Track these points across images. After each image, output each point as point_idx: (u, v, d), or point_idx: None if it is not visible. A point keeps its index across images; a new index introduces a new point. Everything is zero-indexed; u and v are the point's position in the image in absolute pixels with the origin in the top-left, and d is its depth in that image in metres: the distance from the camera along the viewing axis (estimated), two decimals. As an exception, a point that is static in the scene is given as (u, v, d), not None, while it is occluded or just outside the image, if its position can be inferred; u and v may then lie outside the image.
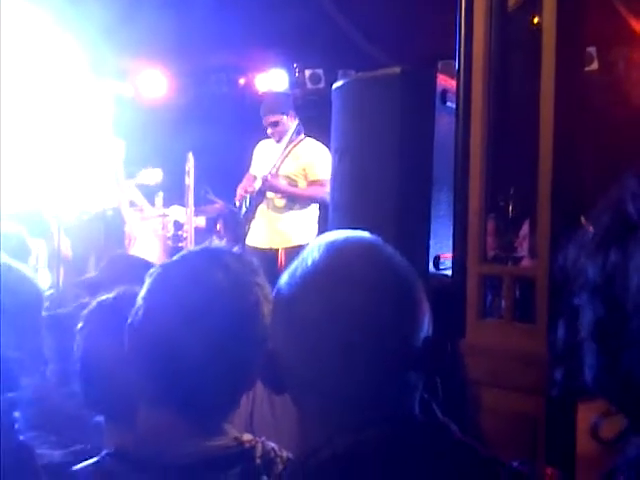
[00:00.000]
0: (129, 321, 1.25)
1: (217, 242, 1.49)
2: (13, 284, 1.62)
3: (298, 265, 1.06)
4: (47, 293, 5.84)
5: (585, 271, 0.63)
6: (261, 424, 1.90)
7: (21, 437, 1.27)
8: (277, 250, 4.74)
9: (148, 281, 1.25)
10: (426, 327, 1.03)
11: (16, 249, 2.82)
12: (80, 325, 1.50)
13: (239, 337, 1.20)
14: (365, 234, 1.10)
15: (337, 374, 0.99)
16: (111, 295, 1.51)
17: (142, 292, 1.26)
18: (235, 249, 1.32)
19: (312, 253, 1.05)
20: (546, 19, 2.31)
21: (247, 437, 1.27)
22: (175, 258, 1.30)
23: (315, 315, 1.00)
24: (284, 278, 1.07)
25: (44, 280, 6.20)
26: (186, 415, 1.21)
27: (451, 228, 2.51)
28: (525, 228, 3.39)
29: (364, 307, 0.99)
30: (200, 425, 1.22)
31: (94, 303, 1.53)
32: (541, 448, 2.18)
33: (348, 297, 0.99)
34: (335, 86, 2.84)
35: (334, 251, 1.04)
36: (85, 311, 1.52)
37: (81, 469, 1.22)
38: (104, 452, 1.22)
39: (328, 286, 1.01)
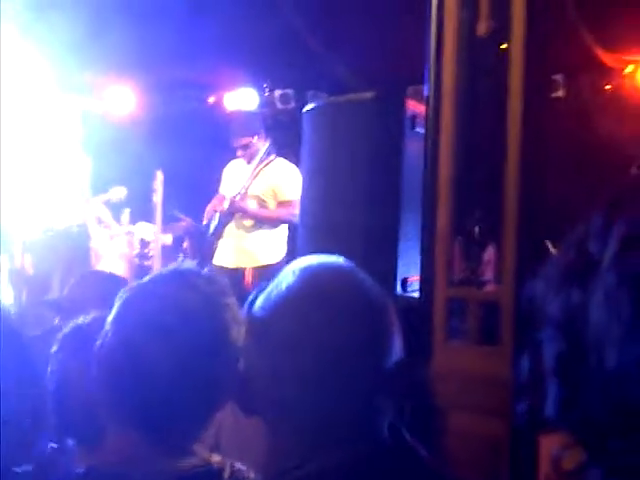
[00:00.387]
0: (98, 343, 1.25)
1: (187, 262, 1.49)
2: None
3: (273, 289, 1.08)
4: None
5: (548, 306, 0.65)
6: (226, 444, 1.90)
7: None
8: (244, 269, 4.73)
9: (117, 304, 1.25)
10: (397, 351, 1.05)
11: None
12: (54, 348, 1.49)
13: (209, 359, 1.21)
14: (339, 259, 1.12)
15: (308, 397, 1.01)
16: (86, 319, 1.50)
17: (111, 315, 1.25)
18: (205, 270, 1.33)
19: (287, 277, 1.07)
20: (514, 46, 2.36)
21: (216, 458, 1.27)
22: (144, 280, 1.30)
23: (288, 338, 1.02)
24: (258, 301, 1.09)
25: (6, 297, 6.11)
26: (155, 436, 1.21)
27: (418, 252, 2.54)
28: (490, 252, 3.44)
29: (336, 331, 1.01)
30: (169, 446, 1.22)
31: (69, 326, 1.52)
32: (505, 472, 2.20)
33: (321, 321, 1.01)
34: (306, 109, 2.87)
35: (308, 276, 1.07)
36: (59, 334, 1.51)
37: None
38: (74, 472, 1.22)
39: (302, 310, 1.03)
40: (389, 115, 2.65)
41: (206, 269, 1.34)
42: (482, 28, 2.31)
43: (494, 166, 2.57)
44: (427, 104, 2.47)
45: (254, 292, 1.14)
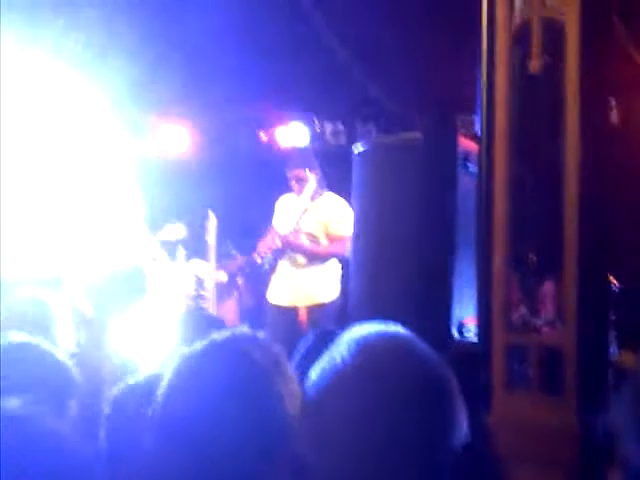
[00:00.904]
0: (150, 414, 1.21)
1: (242, 329, 1.42)
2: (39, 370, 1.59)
3: (327, 364, 1.03)
4: (72, 352, 5.79)
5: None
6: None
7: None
8: (298, 308, 4.70)
9: (170, 374, 1.22)
10: (460, 425, 0.99)
11: (41, 316, 2.78)
12: (106, 411, 1.46)
13: (261, 437, 1.16)
14: (398, 329, 1.06)
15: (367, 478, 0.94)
16: (138, 378, 1.47)
17: (163, 386, 1.22)
18: (261, 335, 1.29)
19: (342, 351, 1.02)
20: (569, 82, 2.29)
21: None
22: (200, 349, 1.26)
23: (344, 421, 0.97)
24: (313, 376, 1.04)
25: (69, 340, 6.19)
26: None
27: (474, 294, 2.46)
28: (548, 287, 3.32)
29: (397, 414, 0.95)
30: None
31: (120, 388, 1.49)
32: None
33: (378, 399, 0.96)
34: (356, 151, 2.83)
35: (365, 351, 1.01)
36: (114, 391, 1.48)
37: None
38: None
39: (359, 390, 0.98)
40: (440, 154, 2.59)
41: (262, 334, 1.29)
42: (535, 65, 2.25)
43: (551, 203, 2.49)
44: (480, 142, 2.40)
45: (304, 347, 1.09)
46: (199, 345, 1.27)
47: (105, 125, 5.28)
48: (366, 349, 1.01)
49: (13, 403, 1.20)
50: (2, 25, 4.33)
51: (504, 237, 2.39)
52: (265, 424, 1.16)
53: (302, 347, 1.65)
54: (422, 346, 1.03)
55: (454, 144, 2.59)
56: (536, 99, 2.35)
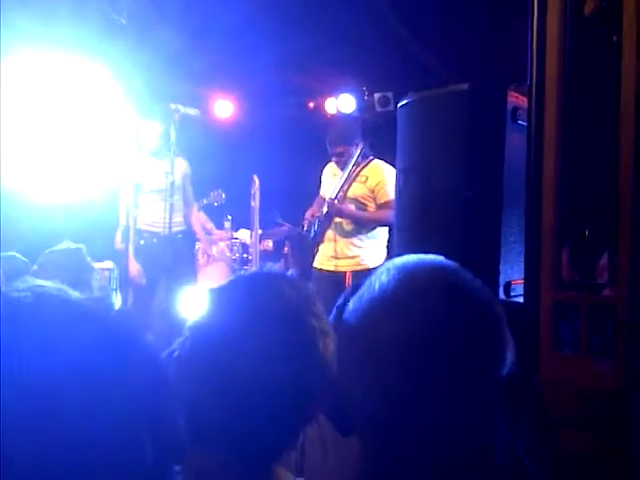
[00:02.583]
0: (175, 353, 1.17)
1: (271, 266, 1.38)
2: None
3: (365, 290, 0.96)
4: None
5: None
6: (311, 468, 1.79)
7: None
8: (344, 273, 4.64)
9: (196, 312, 1.17)
10: (509, 362, 0.91)
11: (76, 268, 2.79)
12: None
13: (293, 371, 1.10)
14: (440, 257, 0.98)
15: (408, 413, 0.87)
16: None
17: (189, 322, 1.17)
18: (289, 272, 1.23)
19: (380, 277, 0.95)
20: (627, 25, 2.15)
21: None
22: (225, 284, 1.21)
23: (383, 347, 0.89)
24: (350, 305, 0.97)
25: (116, 302, 6.28)
26: (236, 455, 1.11)
27: (522, 253, 2.36)
28: (606, 258, 3.19)
29: (439, 341, 0.87)
30: (249, 466, 1.12)
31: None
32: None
33: (420, 329, 0.88)
34: (401, 104, 2.73)
35: (405, 276, 0.93)
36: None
37: None
38: None
39: (398, 316, 0.89)
40: (488, 107, 2.48)
41: (290, 271, 1.23)
42: (589, 7, 2.11)
43: (605, 162, 2.36)
44: (529, 94, 2.28)
45: (343, 296, 1.02)
46: (226, 280, 1.22)
47: (148, 96, 5.28)
48: (406, 275, 0.93)
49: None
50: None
51: (555, 194, 2.28)
52: (295, 362, 1.11)
53: (341, 297, 1.60)
54: (468, 275, 0.94)
55: (503, 96, 2.47)
56: (591, 45, 2.22)
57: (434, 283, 0.91)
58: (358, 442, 0.96)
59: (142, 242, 5.22)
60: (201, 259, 6.03)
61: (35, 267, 2.76)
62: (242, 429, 1.10)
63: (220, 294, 1.19)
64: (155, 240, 5.21)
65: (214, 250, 6.10)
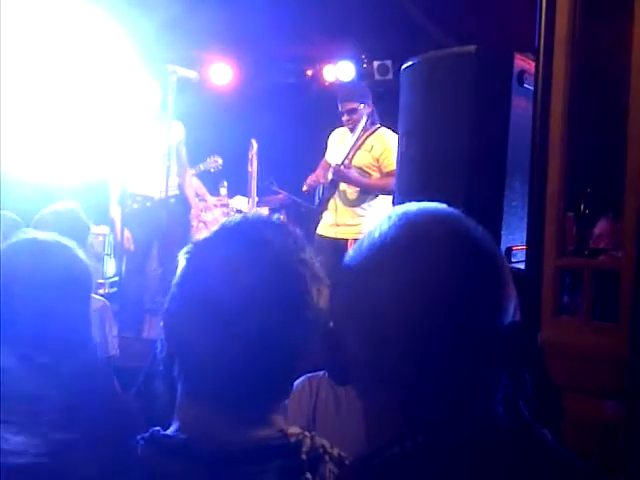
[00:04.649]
0: (165, 307, 1.14)
1: (256, 212, 1.34)
2: (61, 260, 1.54)
3: (365, 238, 0.93)
4: (111, 280, 5.84)
5: None
6: (324, 422, 1.78)
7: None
8: (347, 240, 4.62)
9: (181, 265, 1.14)
10: (512, 312, 0.89)
11: (71, 225, 2.76)
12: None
13: (284, 321, 1.07)
14: (442, 205, 0.96)
15: (407, 363, 0.85)
16: None
17: (175, 278, 1.14)
18: (276, 217, 1.20)
19: (381, 225, 0.92)
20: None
21: (294, 430, 1.14)
22: (209, 235, 1.16)
23: (382, 294, 0.86)
24: (349, 253, 0.94)
25: (109, 268, 6.25)
26: (226, 404, 1.09)
27: (525, 219, 2.34)
28: (600, 225, 3.17)
29: (440, 286, 0.84)
30: (241, 414, 1.10)
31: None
32: (619, 459, 2.00)
33: (420, 273, 0.85)
34: (405, 66, 2.69)
35: (406, 222, 0.91)
36: None
37: None
38: (139, 437, 1.12)
39: (398, 261, 0.87)
40: (494, 70, 2.44)
41: (276, 216, 1.20)
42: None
43: (612, 129, 2.34)
44: (537, 57, 2.24)
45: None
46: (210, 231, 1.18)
47: (145, 59, 5.21)
48: (408, 222, 0.90)
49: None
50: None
51: (561, 159, 2.25)
52: (285, 311, 1.08)
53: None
54: (471, 222, 0.92)
55: (509, 59, 2.43)
56: (601, 8, 2.18)
57: (435, 228, 0.89)
58: (355, 392, 0.94)
59: (135, 206, 5.17)
60: (195, 225, 6.00)
61: (30, 228, 2.73)
62: (236, 381, 1.08)
63: (205, 245, 1.15)
64: (149, 204, 5.17)
65: (209, 217, 6.06)
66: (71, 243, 1.62)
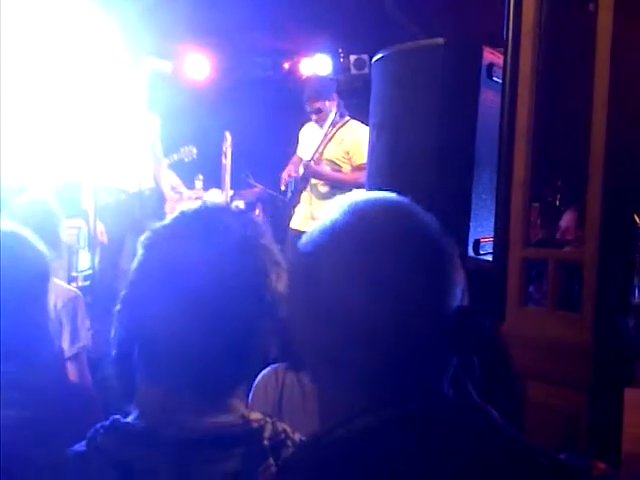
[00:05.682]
0: (121, 294, 1.14)
1: (216, 198, 1.35)
2: (15, 250, 1.53)
3: (317, 226, 0.95)
4: (85, 273, 5.79)
5: None
6: (291, 411, 1.79)
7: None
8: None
9: (141, 250, 1.14)
10: (459, 297, 0.90)
11: (43, 216, 2.74)
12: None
13: (243, 305, 1.08)
14: (393, 194, 0.98)
15: (355, 345, 0.87)
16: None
17: (134, 263, 1.14)
18: (235, 204, 1.21)
19: (333, 213, 0.94)
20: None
21: (256, 416, 1.15)
22: (169, 221, 1.17)
23: (332, 280, 0.88)
24: (302, 240, 0.96)
25: (83, 261, 6.21)
26: (187, 390, 1.10)
27: (492, 211, 2.36)
28: (566, 218, 3.21)
29: (385, 269, 0.87)
30: (202, 400, 1.11)
31: None
32: (582, 447, 2.02)
33: (368, 257, 0.87)
34: (375, 58, 2.70)
35: (355, 210, 0.93)
36: None
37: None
38: (98, 425, 1.12)
39: (346, 245, 0.89)
40: (463, 62, 2.45)
41: (235, 203, 1.21)
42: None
43: (578, 119, 2.36)
44: (505, 49, 2.26)
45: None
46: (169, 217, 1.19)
47: (121, 49, 5.18)
48: (358, 210, 0.93)
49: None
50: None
51: (527, 151, 2.27)
52: (247, 296, 1.09)
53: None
54: (421, 211, 0.94)
55: (478, 51, 2.45)
56: (566, 11, 2.20)
57: (381, 213, 0.92)
58: (308, 375, 0.96)
59: (109, 199, 5.15)
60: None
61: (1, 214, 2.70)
62: (196, 364, 1.09)
63: (163, 232, 1.16)
64: (123, 196, 5.14)
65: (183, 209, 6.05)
66: (28, 232, 1.61)
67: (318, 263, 0.91)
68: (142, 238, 1.15)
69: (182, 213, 1.18)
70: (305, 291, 0.92)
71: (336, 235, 0.91)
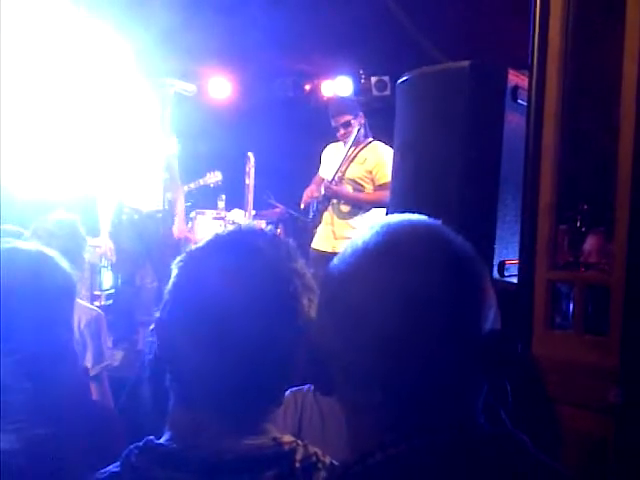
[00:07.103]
0: (157, 316, 1.15)
1: (249, 223, 1.36)
2: (42, 271, 1.55)
3: (349, 246, 0.95)
4: (107, 292, 5.83)
5: None
6: (309, 436, 1.78)
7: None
8: (341, 254, 4.64)
9: (174, 273, 1.15)
10: (492, 320, 0.90)
11: (71, 236, 2.77)
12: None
13: (276, 330, 1.09)
14: (425, 217, 0.98)
15: (387, 369, 0.87)
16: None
17: (169, 285, 1.15)
18: (269, 228, 1.21)
19: (364, 234, 0.95)
20: (630, 11, 2.13)
21: (288, 438, 1.15)
22: (202, 244, 1.18)
23: (362, 300, 0.88)
24: (334, 261, 0.96)
25: (105, 280, 6.25)
26: (220, 413, 1.10)
27: (517, 233, 2.35)
28: (589, 241, 3.19)
29: (418, 291, 0.86)
30: (235, 423, 1.11)
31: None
32: (609, 473, 2.00)
33: (400, 279, 0.87)
34: (400, 81, 2.71)
35: (388, 231, 0.94)
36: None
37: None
38: (132, 445, 1.13)
39: (378, 267, 0.89)
40: (488, 85, 2.45)
41: (270, 227, 1.22)
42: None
43: (605, 143, 2.35)
44: (530, 72, 2.26)
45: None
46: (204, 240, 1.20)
47: (142, 71, 5.24)
48: (390, 231, 0.93)
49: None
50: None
51: (553, 173, 2.26)
52: (279, 321, 1.09)
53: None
54: (452, 233, 0.94)
55: (503, 74, 2.45)
56: (594, 24, 2.20)
57: (415, 235, 0.92)
58: (338, 400, 0.95)
59: (124, 217, 5.20)
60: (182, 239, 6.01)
61: (27, 233, 2.74)
62: (230, 388, 1.09)
63: (198, 254, 1.16)
64: (136, 217, 5.18)
65: (202, 232, 6.10)
66: (54, 253, 1.63)
67: (349, 284, 0.91)
68: (177, 260, 1.16)
69: (216, 236, 1.18)
70: (336, 312, 0.92)
71: (368, 256, 0.91)
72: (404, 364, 0.86)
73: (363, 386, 0.89)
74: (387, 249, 0.91)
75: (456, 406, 0.87)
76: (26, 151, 4.85)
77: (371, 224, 0.98)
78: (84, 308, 2.94)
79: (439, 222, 0.97)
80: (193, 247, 1.18)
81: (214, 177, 5.93)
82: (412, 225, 0.95)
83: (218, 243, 1.17)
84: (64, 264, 1.62)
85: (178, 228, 5.62)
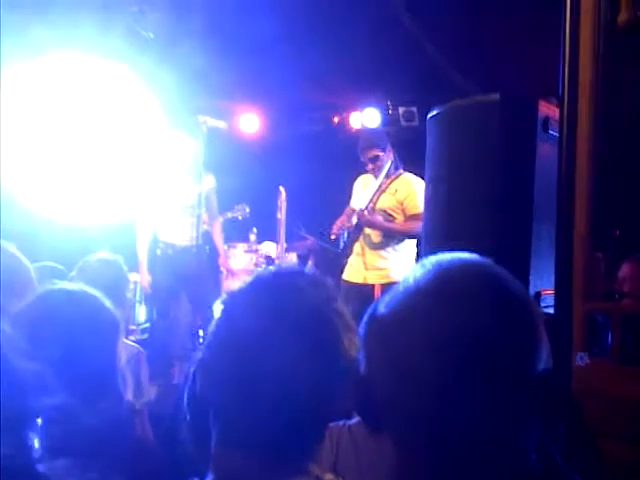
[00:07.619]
0: (199, 356, 1.16)
1: (289, 262, 1.37)
2: (88, 308, 1.59)
3: (399, 285, 0.95)
4: (143, 326, 5.87)
5: None
6: (345, 474, 1.77)
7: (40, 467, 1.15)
8: (373, 285, 4.63)
9: (217, 314, 1.17)
10: (545, 358, 0.90)
11: (116, 276, 2.83)
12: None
13: (318, 371, 1.09)
14: (473, 255, 0.98)
15: (440, 408, 0.86)
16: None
17: (211, 326, 1.17)
18: (308, 267, 1.22)
19: (415, 273, 0.94)
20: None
21: (329, 477, 1.15)
22: (245, 285, 1.18)
23: (415, 339, 0.88)
24: (384, 299, 0.96)
25: (140, 314, 6.31)
26: (264, 454, 1.11)
27: (551, 263, 2.34)
28: (624, 269, 3.16)
29: (473, 330, 0.86)
30: (278, 463, 1.11)
31: None
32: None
33: (453, 319, 0.87)
34: (431, 115, 2.74)
35: (440, 270, 0.93)
36: None
37: None
38: None
39: (431, 307, 0.89)
40: (519, 117, 2.47)
41: (309, 266, 1.23)
42: (623, 17, 2.11)
43: (637, 169, 2.35)
44: (561, 103, 2.28)
45: (375, 303, 1.02)
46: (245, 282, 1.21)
47: (174, 111, 5.35)
48: (442, 269, 0.92)
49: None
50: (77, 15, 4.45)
51: (587, 203, 2.27)
52: (320, 361, 1.10)
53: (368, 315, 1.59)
54: (505, 273, 0.94)
55: (534, 106, 2.47)
56: (624, 55, 2.22)
57: (467, 275, 0.91)
58: (389, 439, 0.95)
59: (158, 252, 5.25)
60: (224, 272, 6.07)
61: (73, 273, 2.80)
62: (272, 430, 1.09)
63: (240, 295, 1.17)
64: (170, 251, 5.22)
65: (234, 264, 6.14)
66: (97, 293, 1.66)
67: (402, 323, 0.90)
68: (219, 300, 1.18)
69: (257, 277, 1.20)
70: (390, 351, 0.92)
71: (421, 295, 0.90)
72: (458, 405, 0.85)
73: (415, 426, 0.89)
74: (439, 290, 0.90)
75: (508, 445, 0.87)
76: (68, 184, 4.97)
77: (421, 262, 0.98)
78: (124, 345, 2.98)
79: (489, 261, 0.95)
80: (235, 287, 1.20)
81: (242, 210, 5.99)
82: (465, 264, 0.94)
83: (259, 284, 1.18)
84: (107, 303, 1.66)
85: (224, 259, 5.69)
